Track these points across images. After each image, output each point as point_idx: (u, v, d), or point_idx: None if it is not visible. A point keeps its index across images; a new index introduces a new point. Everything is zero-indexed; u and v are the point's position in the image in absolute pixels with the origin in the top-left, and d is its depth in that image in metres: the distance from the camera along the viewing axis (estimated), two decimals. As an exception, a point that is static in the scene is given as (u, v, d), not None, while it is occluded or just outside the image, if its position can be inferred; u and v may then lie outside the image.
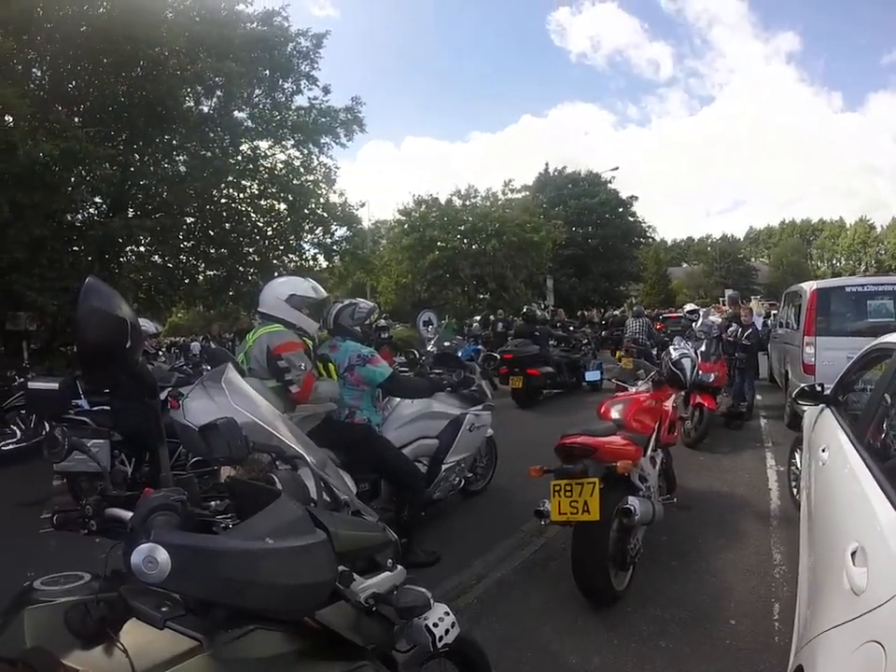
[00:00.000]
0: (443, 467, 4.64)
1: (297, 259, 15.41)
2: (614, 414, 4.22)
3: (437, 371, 5.11)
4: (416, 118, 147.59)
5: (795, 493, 4.69)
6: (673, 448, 4.93)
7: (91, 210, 12.53)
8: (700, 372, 6.58)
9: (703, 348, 7.91)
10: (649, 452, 4.11)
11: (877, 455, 2.28)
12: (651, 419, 4.33)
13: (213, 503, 1.53)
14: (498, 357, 9.77)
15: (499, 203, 27.55)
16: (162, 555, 1.00)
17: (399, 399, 4.64)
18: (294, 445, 1.71)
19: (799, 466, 4.54)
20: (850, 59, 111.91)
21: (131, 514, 1.30)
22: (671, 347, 5.52)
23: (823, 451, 3.01)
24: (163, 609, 1.10)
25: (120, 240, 11.59)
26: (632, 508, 3.45)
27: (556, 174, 40.01)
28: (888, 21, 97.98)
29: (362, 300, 4.59)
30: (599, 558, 3.38)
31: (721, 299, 32.35)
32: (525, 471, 3.72)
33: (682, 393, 6.05)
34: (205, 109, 13.75)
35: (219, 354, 5.19)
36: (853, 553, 1.71)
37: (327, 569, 1.25)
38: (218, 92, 13.31)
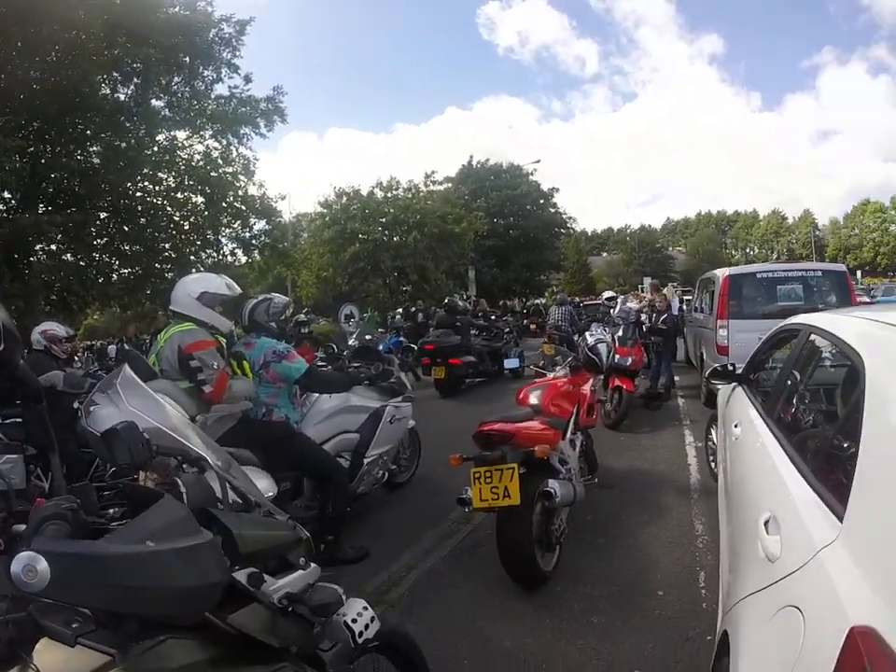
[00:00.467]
0: (366, 460, 4.56)
1: (214, 254, 15.03)
2: (532, 400, 4.26)
3: (355, 364, 5.06)
4: (340, 108, 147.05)
5: (713, 466, 4.84)
6: (594, 430, 5.05)
7: (0, 206, 11.82)
8: (617, 357, 6.76)
9: (620, 333, 8.13)
10: (568, 435, 4.18)
11: (786, 429, 2.38)
12: (569, 403, 4.41)
13: (111, 510, 1.48)
14: (416, 348, 9.78)
15: (421, 194, 27.56)
16: (42, 564, 0.98)
17: (317, 395, 4.55)
18: (195, 447, 1.66)
19: (715, 441, 4.69)
20: (770, 61, 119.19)
21: None
22: (587, 333, 5.62)
23: (736, 426, 3.12)
24: (74, 626, 1.08)
25: (30, 238, 11.02)
26: (552, 490, 3.48)
27: (479, 166, 40.31)
28: (807, 25, 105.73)
29: (277, 294, 4.49)
30: (524, 542, 3.39)
31: (639, 286, 33.49)
32: (448, 461, 3.70)
33: (601, 377, 6.17)
34: (121, 97, 13.22)
35: (131, 356, 4.96)
36: (766, 523, 1.74)
37: (216, 570, 1.21)
38: (136, 79, 12.84)
